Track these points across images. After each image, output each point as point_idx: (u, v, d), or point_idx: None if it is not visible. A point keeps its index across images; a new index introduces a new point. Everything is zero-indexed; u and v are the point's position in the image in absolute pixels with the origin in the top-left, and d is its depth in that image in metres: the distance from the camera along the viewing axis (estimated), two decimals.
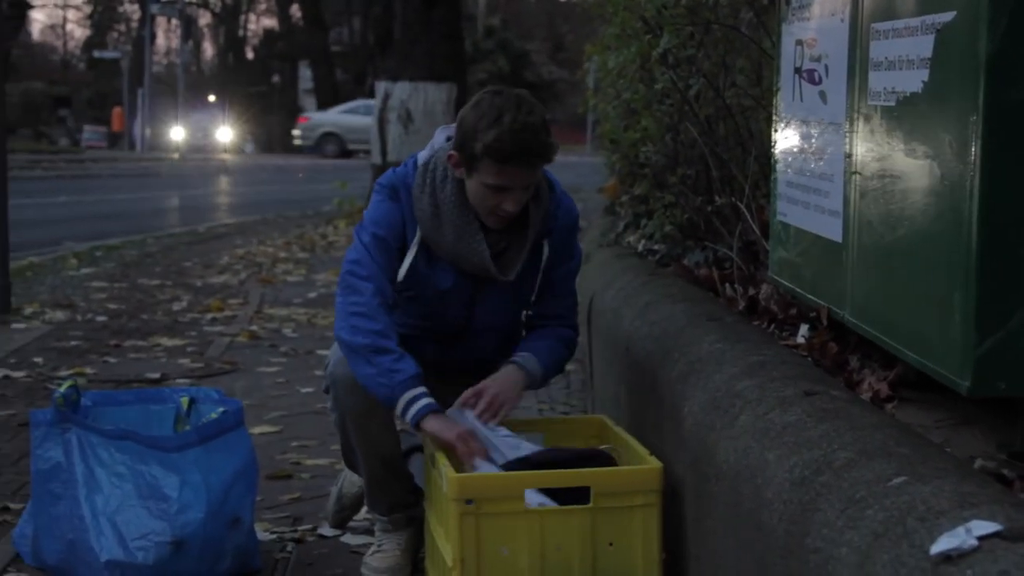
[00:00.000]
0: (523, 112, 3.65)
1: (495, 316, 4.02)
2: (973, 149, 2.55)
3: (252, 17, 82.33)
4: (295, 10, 74.63)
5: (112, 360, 7.65)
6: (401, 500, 4.16)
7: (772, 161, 4.20)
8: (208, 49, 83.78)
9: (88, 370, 7.27)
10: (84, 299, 10.34)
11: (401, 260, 3.87)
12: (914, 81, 2.87)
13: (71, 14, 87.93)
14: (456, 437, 3.65)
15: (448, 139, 3.85)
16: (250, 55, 79.51)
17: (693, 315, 4.08)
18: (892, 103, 3.02)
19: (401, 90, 17.17)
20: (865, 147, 3.25)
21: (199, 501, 3.96)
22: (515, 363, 3.90)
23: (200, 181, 32.19)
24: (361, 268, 3.81)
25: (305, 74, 76.57)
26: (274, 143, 71.95)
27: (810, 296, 3.74)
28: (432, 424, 3.68)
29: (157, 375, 7.13)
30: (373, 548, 4.18)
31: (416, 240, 3.86)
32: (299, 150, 62.26)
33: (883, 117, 3.09)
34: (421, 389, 3.70)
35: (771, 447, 2.74)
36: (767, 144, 4.58)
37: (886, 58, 3.08)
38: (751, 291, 4.40)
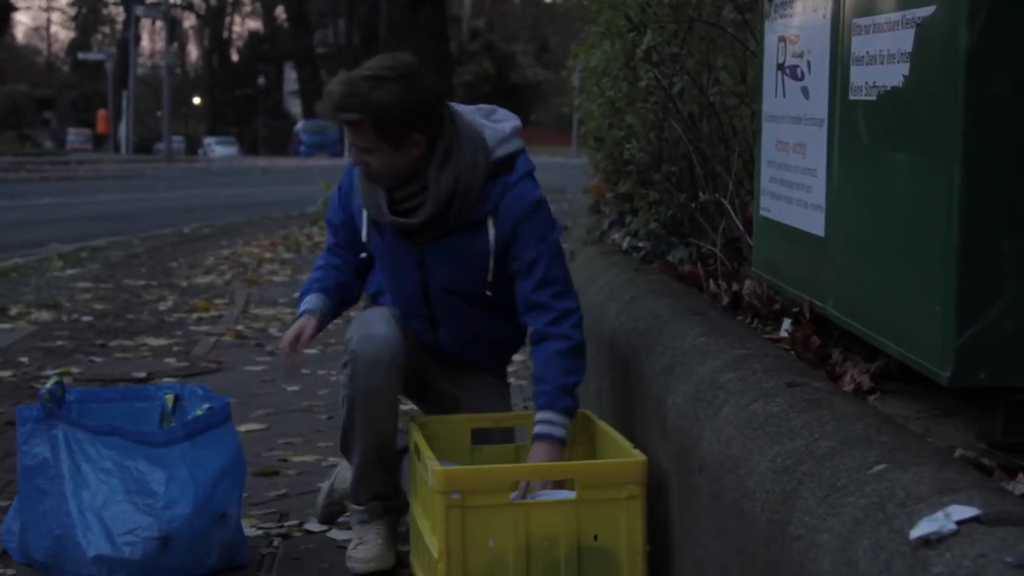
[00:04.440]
0: (355, 71, 3.87)
1: (449, 279, 4.12)
2: (953, 142, 2.57)
3: (237, 19, 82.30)
4: (280, 12, 74.62)
5: (98, 359, 7.67)
6: (382, 491, 4.21)
7: (756, 157, 4.22)
8: (193, 51, 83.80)
9: (74, 369, 7.28)
10: (69, 299, 10.35)
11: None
12: (895, 75, 2.90)
13: (55, 16, 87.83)
14: (290, 335, 4.11)
15: None
16: (235, 57, 79.47)
17: (677, 310, 4.11)
18: (873, 97, 3.04)
19: None
20: (847, 141, 3.27)
21: (186, 496, 3.97)
22: (539, 437, 3.90)
23: (185, 182, 32.23)
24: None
25: (290, 76, 76.58)
26: (259, 144, 71.94)
27: (793, 290, 3.76)
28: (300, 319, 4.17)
29: (143, 374, 7.14)
30: (354, 542, 4.21)
31: (359, 207, 4.17)
32: (283, 152, 62.20)
33: (865, 111, 3.11)
34: (312, 295, 4.23)
35: (754, 437, 2.77)
36: (751, 141, 4.61)
37: (867, 53, 3.10)
38: (735, 286, 4.42)
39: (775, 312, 4.12)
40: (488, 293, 4.11)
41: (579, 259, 6.38)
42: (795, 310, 3.81)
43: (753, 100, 4.65)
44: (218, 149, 67.07)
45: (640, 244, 5.72)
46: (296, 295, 4.38)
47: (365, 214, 4.14)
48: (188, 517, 3.96)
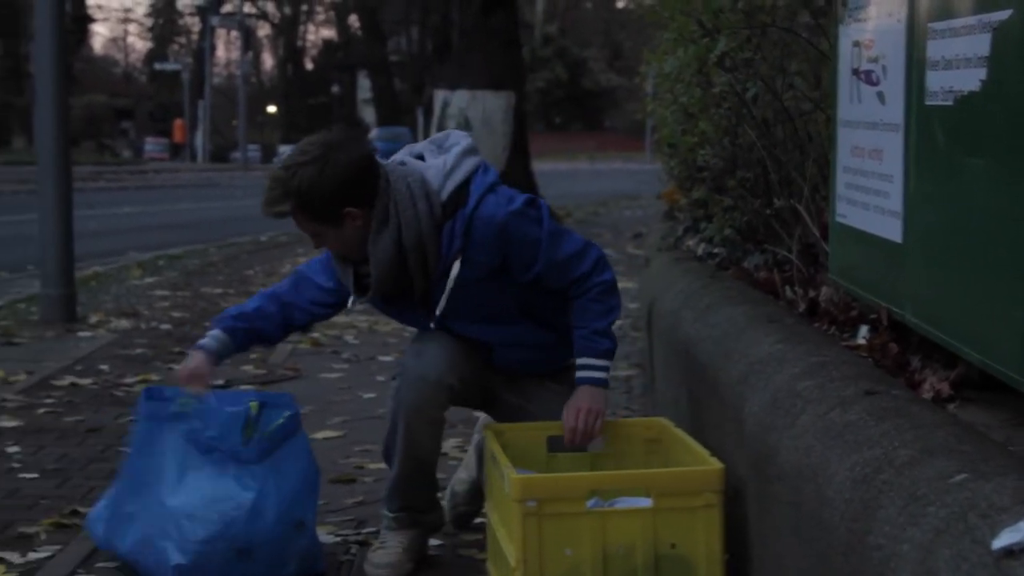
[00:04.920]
0: (278, 164, 3.99)
1: (465, 317, 4.12)
2: None
3: (311, 28, 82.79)
4: (353, 20, 74.98)
5: (176, 367, 7.72)
6: (415, 504, 4.25)
7: (831, 163, 4.21)
8: (267, 60, 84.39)
9: (153, 377, 7.35)
10: (148, 307, 10.45)
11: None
12: (972, 80, 2.87)
13: (132, 27, 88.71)
14: (186, 372, 4.17)
15: None
16: (309, 65, 79.94)
17: (753, 317, 4.09)
18: (950, 102, 3.02)
19: (460, 99, 17.22)
20: (924, 147, 3.25)
21: (268, 509, 4.00)
22: (579, 382, 4.06)
23: (260, 191, 32.37)
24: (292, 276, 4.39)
25: (364, 84, 76.91)
26: None
27: (870, 296, 3.74)
28: (193, 354, 4.24)
29: (221, 381, 7.19)
30: (375, 545, 4.26)
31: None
32: None
33: (941, 117, 3.09)
34: (216, 331, 4.24)
35: (832, 446, 2.75)
36: (826, 147, 4.58)
37: (943, 57, 3.07)
38: (811, 293, 4.39)
39: (852, 319, 4.09)
40: (512, 311, 4.13)
41: (654, 266, 6.37)
42: (872, 316, 3.79)
43: (827, 105, 4.63)
44: None
45: (715, 250, 5.71)
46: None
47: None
48: (270, 530, 3.99)
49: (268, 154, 69.93)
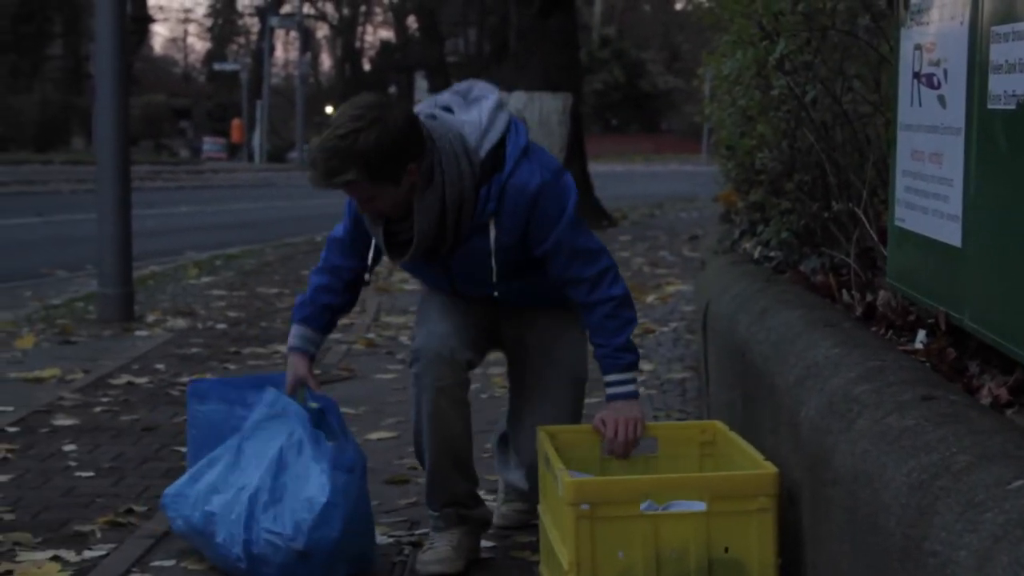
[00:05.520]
0: (327, 134, 3.81)
1: (478, 286, 4.13)
2: None
3: (369, 29, 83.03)
4: (411, 21, 75.14)
5: (231, 367, 7.78)
6: (459, 498, 4.25)
7: (890, 166, 4.17)
8: (325, 61, 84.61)
9: (209, 376, 7.38)
10: (204, 307, 10.52)
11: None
12: None
13: (192, 28, 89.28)
14: (291, 381, 4.20)
15: None
16: (367, 66, 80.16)
17: (810, 321, 4.07)
18: (1013, 106, 2.99)
19: (516, 100, 17.12)
20: (985, 151, 3.22)
21: (337, 519, 4.00)
22: (611, 398, 4.08)
23: (315, 191, 32.48)
24: (333, 250, 4.30)
25: (421, 85, 77.04)
26: None
27: (928, 301, 3.71)
28: (290, 360, 4.26)
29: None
30: (426, 546, 4.27)
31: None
32: None
33: (1004, 121, 3.06)
34: (295, 328, 4.26)
35: (889, 451, 2.73)
36: (885, 150, 4.55)
37: (1006, 61, 3.04)
38: (868, 297, 4.36)
39: (910, 323, 4.06)
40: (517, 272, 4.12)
41: (710, 268, 6.35)
42: (930, 321, 3.76)
43: (887, 108, 4.59)
44: None
45: (771, 254, 5.67)
46: None
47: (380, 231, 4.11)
48: (335, 540, 3.99)
49: None
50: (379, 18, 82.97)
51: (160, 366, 7.79)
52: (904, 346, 3.78)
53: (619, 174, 40.85)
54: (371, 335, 8.96)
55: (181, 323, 9.60)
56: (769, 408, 3.89)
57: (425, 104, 4.13)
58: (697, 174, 32.87)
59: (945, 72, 3.58)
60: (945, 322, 3.58)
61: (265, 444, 4.14)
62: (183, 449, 5.67)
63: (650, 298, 10.40)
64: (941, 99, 3.62)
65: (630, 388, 4.08)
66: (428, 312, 4.25)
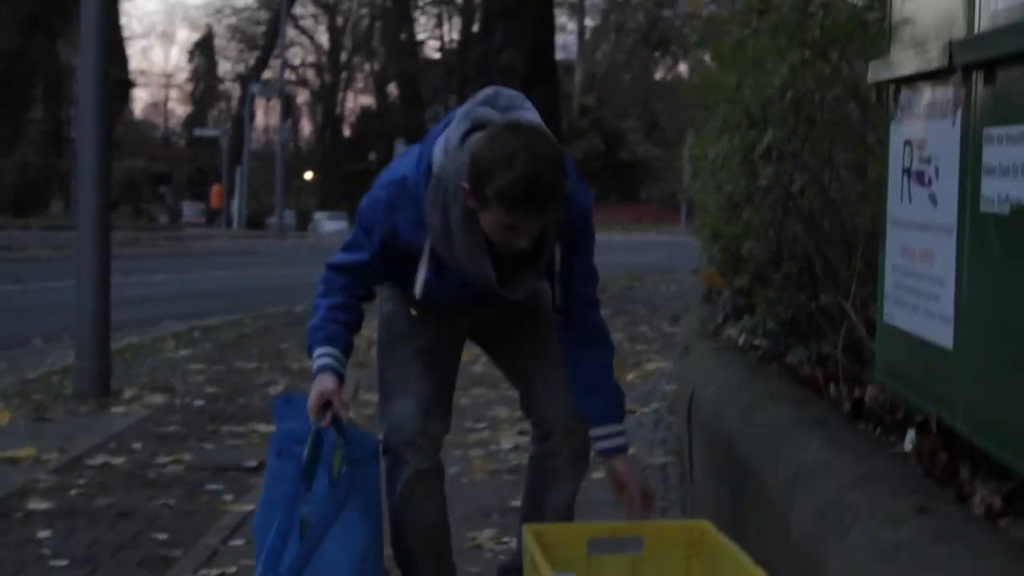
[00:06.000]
0: (536, 155, 3.53)
1: (504, 309, 4.05)
2: None
3: (349, 95, 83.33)
4: (391, 88, 75.48)
5: (209, 447, 7.67)
6: None
7: (879, 261, 4.13)
8: (306, 127, 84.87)
9: (186, 456, 7.29)
10: (182, 381, 10.42)
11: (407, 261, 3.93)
12: None
13: (173, 92, 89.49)
14: (317, 394, 3.82)
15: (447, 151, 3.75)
16: (347, 132, 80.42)
17: (798, 418, 4.00)
18: (1007, 212, 2.95)
19: None
20: (978, 253, 3.18)
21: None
22: (620, 450, 4.05)
23: (295, 259, 32.55)
24: (342, 275, 4.03)
25: (401, 151, 77.31)
26: None
27: (919, 402, 3.66)
28: (318, 378, 3.87)
29: (254, 463, 7.12)
30: None
31: (426, 251, 3.88)
32: None
33: (998, 225, 3.02)
34: (332, 349, 3.91)
35: (885, 569, 2.66)
36: (872, 240, 4.51)
37: (1000, 164, 3.01)
38: (857, 392, 4.31)
39: (898, 420, 4.01)
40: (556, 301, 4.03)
41: (693, 354, 6.28)
42: (919, 419, 3.70)
43: (873, 198, 4.56)
44: (328, 224, 67.74)
45: (757, 342, 5.62)
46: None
47: (427, 265, 3.89)
48: None
49: (303, 220, 70.23)
50: (360, 85, 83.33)
51: (137, 445, 7.67)
52: (894, 448, 3.72)
53: (600, 244, 40.62)
54: (351, 414, 8.86)
55: (159, 399, 9.49)
56: (757, 508, 3.82)
57: (465, 118, 3.78)
58: (676, 244, 32.87)
59: (936, 170, 3.55)
60: (936, 422, 3.53)
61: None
62: (160, 536, 5.60)
63: (631, 376, 10.32)
64: (932, 197, 3.58)
65: (626, 440, 4.08)
66: (393, 380, 4.13)
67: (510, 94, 3.88)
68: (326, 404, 3.84)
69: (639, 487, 4.03)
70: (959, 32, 3.34)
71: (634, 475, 4.05)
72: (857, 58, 4.72)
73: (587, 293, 4.03)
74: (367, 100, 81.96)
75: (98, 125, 9.49)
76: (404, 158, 3.96)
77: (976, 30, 3.23)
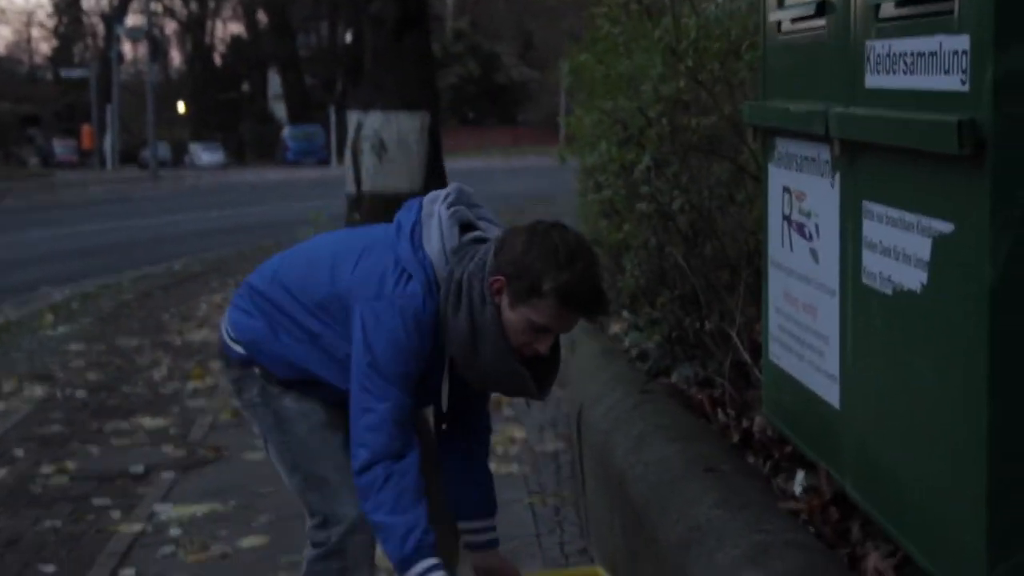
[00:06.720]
0: (592, 261, 3.50)
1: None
2: (979, 379, 2.47)
3: (219, 24, 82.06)
4: (261, 16, 74.43)
5: (94, 450, 7.52)
6: None
7: (763, 296, 4.13)
8: (176, 57, 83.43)
9: (70, 465, 7.14)
10: (63, 368, 10.21)
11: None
12: (913, 279, 2.79)
13: (36, 30, 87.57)
14: None
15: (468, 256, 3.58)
16: (218, 62, 79.24)
17: (689, 461, 4.00)
18: (889, 292, 2.94)
19: (373, 120, 16.99)
20: (861, 324, 3.17)
21: None
22: (495, 544, 3.97)
23: (173, 204, 32.08)
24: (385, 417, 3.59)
25: (274, 80, 76.38)
26: (246, 150, 71.75)
27: (810, 451, 3.67)
28: None
29: (141, 468, 7.02)
30: None
31: (446, 363, 3.68)
32: (270, 157, 61.76)
33: (881, 303, 3.01)
34: (438, 560, 3.53)
35: None
36: (754, 262, 4.52)
37: (881, 242, 2.98)
38: (745, 422, 4.33)
39: (787, 455, 4.03)
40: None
41: (580, 354, 6.26)
42: (808, 460, 3.73)
43: (753, 221, 4.56)
44: (204, 156, 66.87)
45: (644, 346, 5.60)
46: None
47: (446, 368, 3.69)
48: None
49: (179, 152, 69.24)
50: (228, 13, 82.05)
51: (19, 452, 7.50)
52: (784, 495, 3.74)
53: (478, 172, 40.59)
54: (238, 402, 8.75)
55: (39, 391, 9.29)
56: (651, 560, 3.82)
57: (465, 212, 3.70)
58: (555, 169, 32.89)
59: (817, 227, 3.52)
60: (825, 474, 3.55)
61: None
62: (47, 569, 5.47)
63: None
64: (814, 253, 3.56)
65: (494, 531, 3.99)
66: (333, 471, 3.81)
67: (468, 191, 3.76)
68: None
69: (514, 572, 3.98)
70: (837, 101, 3.26)
71: (509, 564, 3.99)
72: (734, 80, 4.69)
73: (486, 407, 3.98)
74: (237, 28, 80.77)
75: None
76: (347, 279, 3.70)
77: (852, 103, 3.15)
